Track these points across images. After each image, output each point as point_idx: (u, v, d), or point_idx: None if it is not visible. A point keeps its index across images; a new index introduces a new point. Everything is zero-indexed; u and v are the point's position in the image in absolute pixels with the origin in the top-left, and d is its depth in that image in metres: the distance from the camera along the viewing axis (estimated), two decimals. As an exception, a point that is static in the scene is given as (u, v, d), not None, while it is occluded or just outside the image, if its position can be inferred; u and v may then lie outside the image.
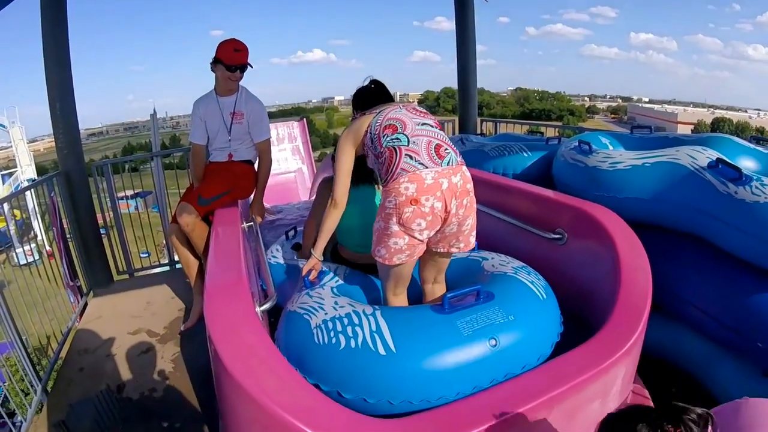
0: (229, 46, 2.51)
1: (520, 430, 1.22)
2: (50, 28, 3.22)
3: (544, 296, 1.66)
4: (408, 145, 1.58)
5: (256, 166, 2.86)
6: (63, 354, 2.79)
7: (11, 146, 18.56)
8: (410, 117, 1.67)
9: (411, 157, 1.55)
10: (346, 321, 1.47)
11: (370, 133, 1.68)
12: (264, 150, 2.75)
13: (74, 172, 3.43)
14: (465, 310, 1.50)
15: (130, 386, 2.43)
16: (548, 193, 2.32)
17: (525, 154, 3.11)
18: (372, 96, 1.87)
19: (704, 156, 2.14)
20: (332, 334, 1.44)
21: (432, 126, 1.68)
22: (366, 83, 1.94)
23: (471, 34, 5.11)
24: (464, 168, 1.63)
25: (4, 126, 18.52)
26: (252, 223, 2.32)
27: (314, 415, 1.07)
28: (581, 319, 1.79)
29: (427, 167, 1.53)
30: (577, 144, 2.66)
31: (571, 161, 2.60)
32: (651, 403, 1.70)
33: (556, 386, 1.27)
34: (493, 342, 1.43)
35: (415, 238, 1.56)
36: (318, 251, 1.82)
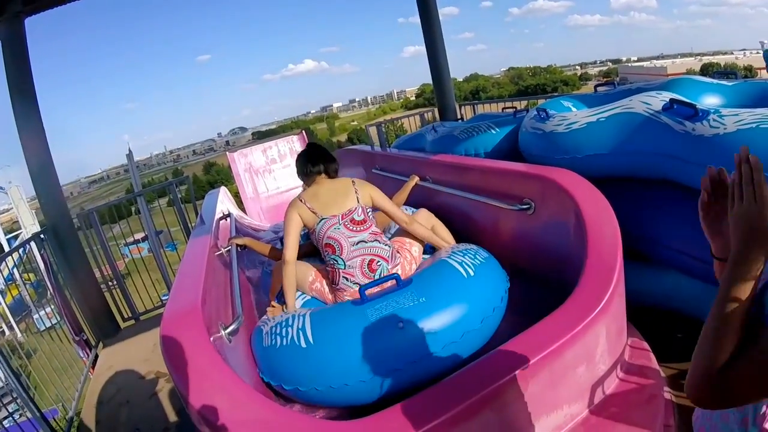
0: None
1: (497, 407, 1.21)
2: (17, 88, 3.29)
3: (471, 273, 1.72)
4: (345, 269, 1.90)
5: None
6: (80, 410, 2.84)
7: (12, 207, 17.57)
8: (347, 237, 1.92)
9: (347, 279, 1.90)
10: (283, 323, 1.67)
11: (316, 235, 1.96)
12: None
13: (61, 227, 3.47)
14: (378, 299, 1.63)
15: (144, 428, 2.47)
16: (511, 165, 2.31)
17: (493, 131, 3.08)
18: (313, 157, 2.12)
19: (658, 100, 2.10)
20: (273, 336, 1.64)
21: (365, 241, 1.93)
22: (304, 148, 2.22)
23: (436, 24, 5.11)
24: (398, 267, 1.96)
25: (2, 188, 17.68)
26: (230, 247, 2.34)
27: (269, 426, 1.09)
28: (559, 286, 1.76)
29: (360, 284, 1.77)
30: (536, 113, 2.63)
31: (531, 130, 2.58)
32: (652, 354, 1.67)
33: (526, 360, 1.24)
34: (400, 325, 1.54)
35: None
36: (290, 307, 1.93)
